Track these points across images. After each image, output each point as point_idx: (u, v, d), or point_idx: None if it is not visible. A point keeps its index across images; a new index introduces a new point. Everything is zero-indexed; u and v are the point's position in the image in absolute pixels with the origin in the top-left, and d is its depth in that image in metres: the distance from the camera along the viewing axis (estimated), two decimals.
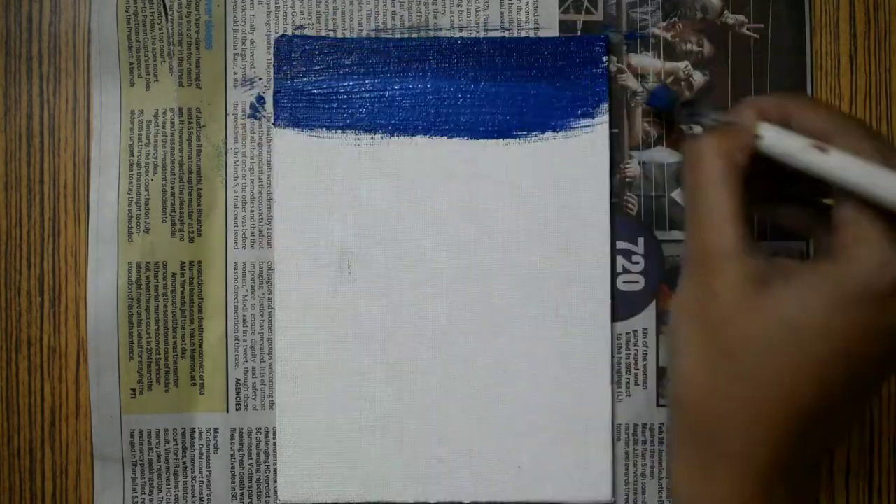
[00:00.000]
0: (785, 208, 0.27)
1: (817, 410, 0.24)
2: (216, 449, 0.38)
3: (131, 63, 0.37)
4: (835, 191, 0.25)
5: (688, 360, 0.26)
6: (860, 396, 0.25)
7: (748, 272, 0.24)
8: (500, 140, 0.37)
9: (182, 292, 0.37)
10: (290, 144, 0.37)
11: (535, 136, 0.37)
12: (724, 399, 0.24)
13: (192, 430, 0.38)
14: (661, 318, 0.38)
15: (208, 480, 0.38)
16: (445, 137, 0.37)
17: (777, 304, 0.24)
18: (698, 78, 0.38)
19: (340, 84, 0.37)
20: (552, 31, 0.38)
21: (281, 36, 0.38)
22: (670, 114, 0.36)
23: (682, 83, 0.38)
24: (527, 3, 0.38)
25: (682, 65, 0.38)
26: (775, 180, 0.29)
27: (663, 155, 0.38)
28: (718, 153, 0.26)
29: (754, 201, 0.27)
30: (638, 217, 0.38)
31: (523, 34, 0.38)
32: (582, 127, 0.37)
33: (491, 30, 0.38)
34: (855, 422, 0.25)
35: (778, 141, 0.26)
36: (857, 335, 0.23)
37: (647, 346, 0.37)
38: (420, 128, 0.37)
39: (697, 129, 0.36)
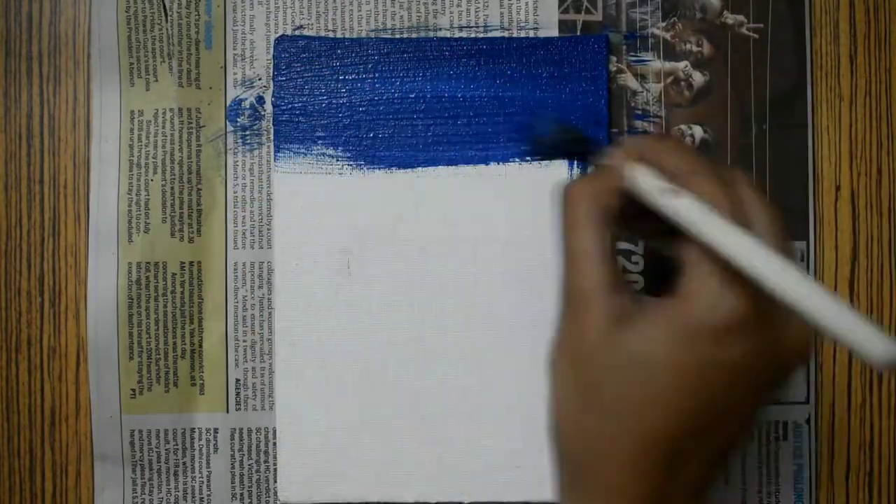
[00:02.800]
0: (669, 242, 0.28)
1: (679, 441, 0.25)
2: (216, 449, 0.38)
3: (131, 63, 0.37)
4: (685, 231, 0.26)
5: (559, 395, 0.27)
6: (723, 425, 0.26)
7: (610, 310, 0.25)
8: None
9: (182, 292, 0.37)
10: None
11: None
12: (594, 433, 0.26)
13: (192, 430, 0.38)
14: None
15: (208, 480, 0.38)
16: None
17: (630, 340, 0.25)
18: (698, 78, 0.38)
19: (341, 86, 0.37)
20: (552, 32, 0.38)
21: (281, 36, 0.38)
22: (553, 147, 0.37)
23: (682, 83, 0.38)
24: (526, 4, 0.38)
25: (682, 65, 0.38)
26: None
27: None
28: (586, 196, 0.27)
29: (645, 234, 0.28)
30: None
31: (523, 34, 0.38)
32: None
33: (490, 30, 0.38)
34: (735, 447, 0.27)
35: (639, 183, 0.27)
36: (698, 369, 0.24)
37: None
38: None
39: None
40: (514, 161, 0.37)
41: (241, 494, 0.38)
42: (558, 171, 0.37)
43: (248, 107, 0.38)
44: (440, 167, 0.37)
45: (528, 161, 0.37)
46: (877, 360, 0.21)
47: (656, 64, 0.38)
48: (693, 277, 0.25)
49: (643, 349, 0.25)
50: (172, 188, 0.37)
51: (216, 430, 0.38)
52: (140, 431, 0.37)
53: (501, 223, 0.37)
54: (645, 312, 0.25)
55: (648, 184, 0.26)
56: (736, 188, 0.26)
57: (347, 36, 0.38)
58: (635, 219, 0.28)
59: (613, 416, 0.25)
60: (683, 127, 0.38)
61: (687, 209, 0.25)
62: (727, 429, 0.26)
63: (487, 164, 0.37)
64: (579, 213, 0.26)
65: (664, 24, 0.38)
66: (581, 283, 0.26)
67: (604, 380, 0.25)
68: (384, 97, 0.37)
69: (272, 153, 0.37)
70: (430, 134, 0.37)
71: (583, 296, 0.26)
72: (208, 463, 0.38)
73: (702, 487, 0.26)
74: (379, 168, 0.37)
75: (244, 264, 0.38)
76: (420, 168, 0.37)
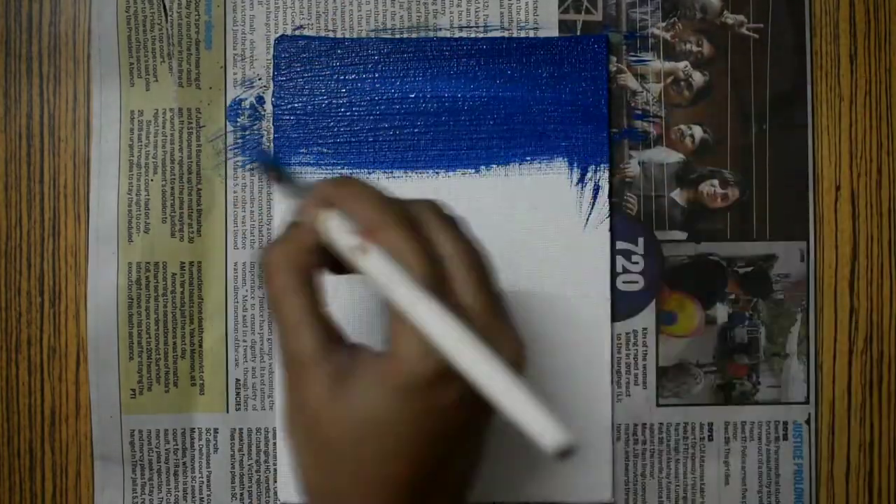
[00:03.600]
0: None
1: (420, 482, 0.26)
2: (216, 449, 0.38)
3: (131, 63, 0.37)
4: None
5: (300, 462, 0.27)
6: (457, 459, 0.27)
7: (326, 374, 0.25)
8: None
9: (182, 292, 0.37)
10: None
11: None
12: (337, 487, 0.26)
13: (192, 430, 0.38)
14: (661, 318, 0.38)
15: (208, 480, 0.38)
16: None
17: (351, 400, 0.25)
18: (698, 78, 0.38)
19: (341, 86, 0.37)
20: (552, 32, 0.38)
21: (281, 36, 0.38)
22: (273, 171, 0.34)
23: (682, 83, 0.38)
24: (526, 4, 0.38)
25: (682, 65, 0.38)
26: None
27: (663, 155, 0.38)
28: (282, 262, 0.26)
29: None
30: (637, 217, 0.38)
31: (523, 34, 0.38)
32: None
33: (490, 30, 0.38)
34: (473, 472, 0.28)
35: (332, 238, 0.26)
36: (419, 418, 0.25)
37: (646, 346, 0.37)
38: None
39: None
40: (514, 162, 0.37)
41: (241, 494, 0.38)
42: (559, 172, 0.37)
43: (248, 107, 0.38)
44: (441, 168, 0.37)
45: (528, 161, 0.37)
46: (546, 447, 0.21)
47: (656, 64, 0.38)
48: (396, 333, 0.25)
49: (364, 407, 0.25)
50: (172, 188, 0.37)
51: (216, 430, 0.38)
52: (140, 431, 0.37)
53: (502, 224, 0.37)
54: (362, 371, 0.25)
55: (341, 240, 0.26)
56: (427, 231, 0.26)
57: (347, 36, 0.38)
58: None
59: (351, 471, 0.26)
60: (683, 127, 0.38)
61: (373, 270, 0.25)
62: (462, 461, 0.27)
63: (489, 167, 0.37)
64: (279, 281, 0.26)
65: (664, 24, 0.38)
66: (295, 349, 0.26)
67: (336, 438, 0.25)
68: (384, 97, 0.37)
69: (272, 153, 0.37)
70: (430, 134, 0.37)
71: (299, 361, 0.26)
72: (208, 463, 0.38)
73: None
74: (379, 169, 0.37)
75: (244, 264, 0.38)
76: (420, 170, 0.37)
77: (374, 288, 0.25)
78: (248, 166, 0.37)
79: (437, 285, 0.25)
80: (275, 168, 0.31)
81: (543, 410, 0.22)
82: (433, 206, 0.27)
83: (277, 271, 0.26)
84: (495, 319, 0.26)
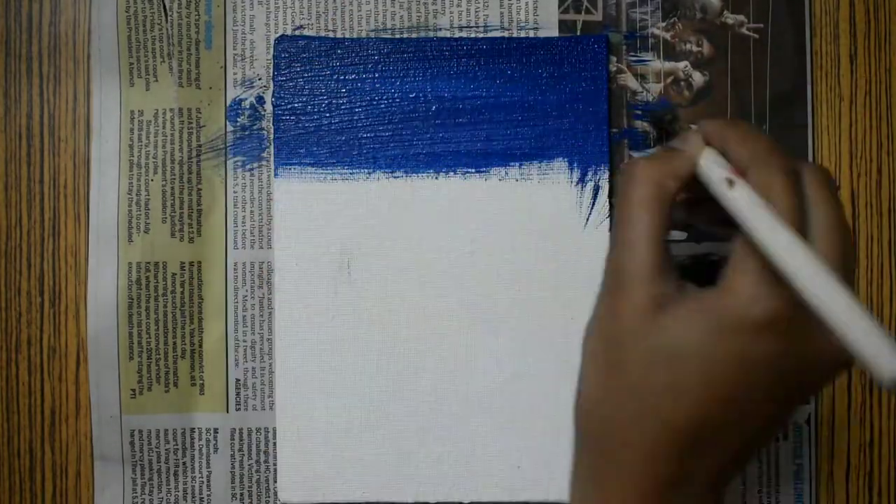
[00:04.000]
0: (725, 231, 0.28)
1: (699, 430, 0.25)
2: (216, 449, 0.38)
3: (131, 63, 0.37)
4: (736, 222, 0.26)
5: (587, 373, 0.27)
6: (744, 422, 0.26)
7: (651, 296, 0.25)
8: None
9: (182, 292, 0.37)
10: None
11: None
12: (615, 412, 0.26)
13: (192, 430, 0.38)
14: None
15: (208, 480, 0.38)
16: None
17: (665, 326, 0.25)
18: (698, 78, 0.38)
19: (341, 86, 0.37)
20: (552, 32, 0.38)
21: (281, 36, 0.38)
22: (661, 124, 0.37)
23: (682, 83, 0.38)
24: (526, 4, 0.38)
25: (682, 65, 0.38)
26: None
27: None
28: (648, 178, 0.27)
29: (703, 221, 0.29)
30: None
31: (523, 34, 0.38)
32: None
33: (490, 30, 0.38)
34: (755, 446, 0.27)
35: (704, 170, 0.27)
36: (726, 361, 0.24)
37: None
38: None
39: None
40: (514, 162, 0.37)
41: (241, 494, 0.38)
42: (559, 172, 0.37)
43: (248, 107, 0.38)
44: (441, 168, 0.37)
45: (528, 162, 0.37)
46: (887, 380, 0.21)
47: (656, 64, 0.38)
48: (736, 270, 0.25)
49: (676, 335, 0.25)
50: (172, 188, 0.37)
51: (216, 430, 0.38)
52: (140, 431, 0.37)
53: (502, 224, 0.37)
54: (685, 300, 0.25)
55: (710, 171, 0.26)
56: (804, 185, 0.26)
57: (347, 36, 0.38)
58: (696, 204, 0.28)
59: (638, 400, 0.25)
60: (683, 127, 0.38)
61: (738, 201, 0.25)
62: (748, 425, 0.26)
63: (489, 167, 0.37)
64: (638, 194, 0.26)
65: (664, 24, 0.38)
66: (627, 264, 0.26)
67: (634, 361, 0.25)
68: (384, 97, 0.37)
69: (272, 153, 0.37)
70: (429, 134, 0.37)
71: (627, 277, 0.26)
72: (208, 463, 0.38)
73: (716, 483, 0.26)
74: (379, 169, 0.37)
75: (244, 264, 0.38)
76: (421, 171, 0.37)
77: (736, 217, 0.25)
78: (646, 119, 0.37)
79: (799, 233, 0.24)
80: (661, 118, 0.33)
81: (890, 343, 0.22)
82: (820, 171, 0.27)
83: (639, 183, 0.26)
84: None
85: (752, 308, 0.24)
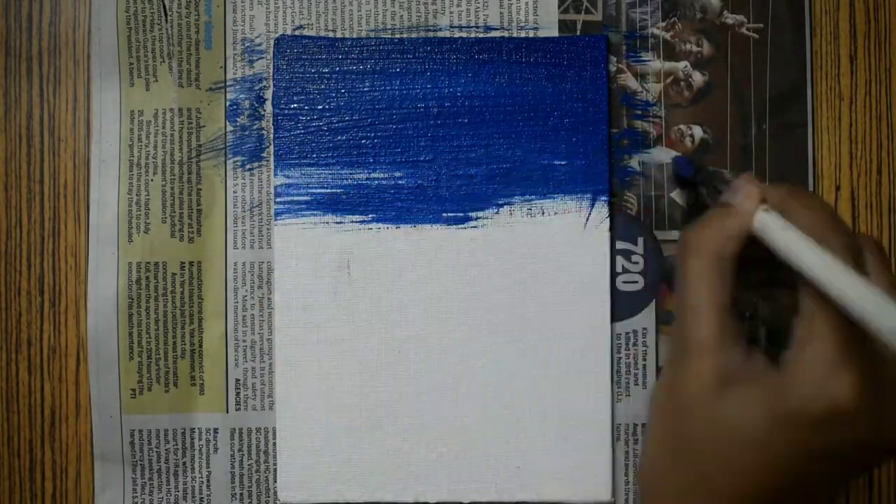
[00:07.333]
0: (774, 294, 0.28)
1: None
2: (216, 449, 0.38)
3: (131, 63, 0.37)
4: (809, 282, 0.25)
5: (653, 441, 0.27)
6: (804, 500, 0.25)
7: (717, 368, 0.25)
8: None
9: (182, 292, 0.37)
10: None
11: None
12: (675, 477, 0.26)
13: (192, 430, 0.38)
14: (661, 318, 0.38)
15: (208, 480, 0.38)
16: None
17: (729, 405, 0.25)
18: (697, 78, 0.38)
19: (341, 86, 0.37)
20: (551, 32, 0.38)
21: (281, 36, 0.38)
22: (693, 183, 0.36)
23: (682, 83, 0.38)
24: (526, 4, 0.38)
25: (682, 65, 0.38)
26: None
27: (662, 155, 0.38)
28: (707, 243, 0.26)
29: (747, 284, 0.28)
30: (637, 217, 0.38)
31: (523, 34, 0.38)
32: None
33: (490, 30, 0.38)
34: None
35: (769, 230, 0.26)
36: (788, 451, 0.24)
37: (646, 346, 0.37)
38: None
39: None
40: (514, 162, 0.37)
41: (241, 494, 0.38)
42: (559, 171, 0.37)
43: (248, 107, 0.38)
44: (441, 168, 0.37)
45: (528, 161, 0.37)
46: None
47: (656, 64, 0.38)
48: (800, 356, 0.24)
49: (738, 416, 0.25)
50: (172, 188, 0.37)
51: (216, 430, 0.38)
52: (140, 431, 0.37)
53: (502, 224, 0.37)
54: (750, 379, 0.25)
55: (779, 234, 0.26)
56: (864, 257, 0.25)
57: (347, 36, 0.38)
58: (741, 266, 0.27)
59: (695, 469, 0.25)
60: (683, 127, 0.38)
61: (808, 255, 0.25)
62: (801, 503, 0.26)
63: (489, 167, 0.37)
64: (696, 263, 0.26)
65: (664, 24, 0.38)
66: (694, 333, 0.26)
67: (696, 430, 0.25)
68: (384, 97, 0.37)
69: (272, 153, 0.37)
70: (429, 134, 0.37)
71: (692, 346, 0.26)
72: (208, 463, 0.38)
73: None
74: (379, 169, 0.37)
75: (244, 264, 0.38)
76: (421, 170, 0.37)
77: (810, 277, 0.25)
78: (680, 177, 0.37)
79: None
80: (699, 169, 0.33)
81: None
82: (875, 243, 0.27)
83: (698, 253, 0.26)
84: None
85: (818, 400, 0.23)
